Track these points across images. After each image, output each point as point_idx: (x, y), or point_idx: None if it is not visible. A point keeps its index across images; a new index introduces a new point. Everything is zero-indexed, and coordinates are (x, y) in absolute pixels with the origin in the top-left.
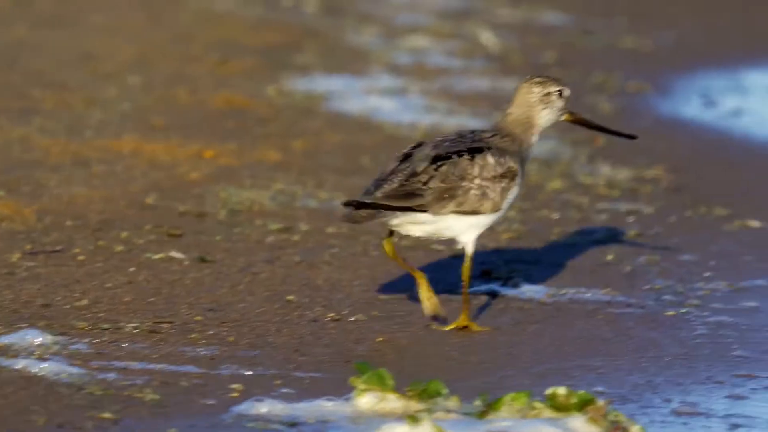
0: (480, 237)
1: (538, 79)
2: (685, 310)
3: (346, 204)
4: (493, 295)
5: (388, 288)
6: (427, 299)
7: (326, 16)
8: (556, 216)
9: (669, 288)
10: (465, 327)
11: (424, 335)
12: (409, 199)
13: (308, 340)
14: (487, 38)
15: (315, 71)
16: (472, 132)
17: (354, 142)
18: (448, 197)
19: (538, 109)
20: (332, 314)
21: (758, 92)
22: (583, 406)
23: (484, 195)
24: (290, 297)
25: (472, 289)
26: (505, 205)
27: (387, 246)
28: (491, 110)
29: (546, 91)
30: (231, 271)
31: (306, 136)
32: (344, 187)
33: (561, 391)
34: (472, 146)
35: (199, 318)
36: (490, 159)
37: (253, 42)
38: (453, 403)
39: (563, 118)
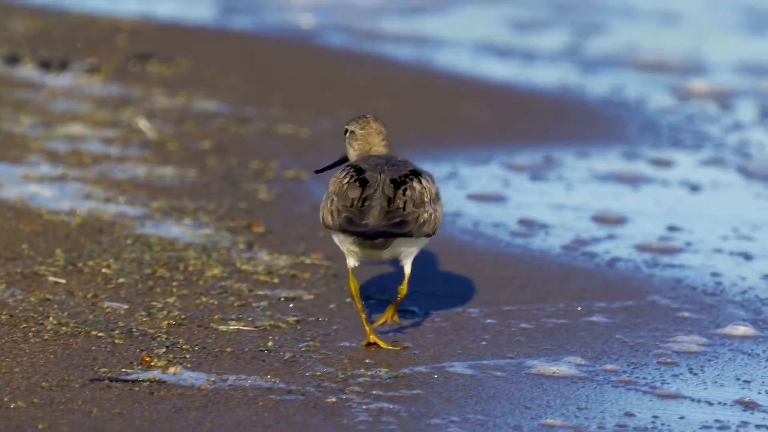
0: (140, 324)
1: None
2: (345, 396)
3: (362, 233)
4: (154, 382)
5: (49, 375)
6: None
7: None
8: (215, 302)
9: (330, 375)
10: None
11: (85, 422)
12: (403, 227)
13: None
14: (144, 125)
15: None
16: (390, 157)
17: (12, 229)
18: (422, 222)
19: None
20: None
21: None
22: None
23: (436, 217)
24: None
25: (130, 377)
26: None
27: (353, 285)
28: (149, 199)
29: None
30: None
31: None
32: (2, 274)
33: None
34: (412, 169)
35: None
36: (426, 183)
37: None
38: None
39: None
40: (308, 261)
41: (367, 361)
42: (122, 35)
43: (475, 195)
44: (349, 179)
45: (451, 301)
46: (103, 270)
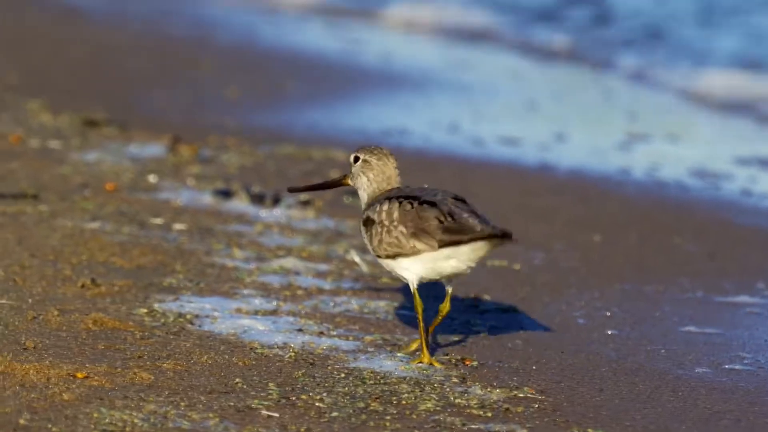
0: None
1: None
2: None
3: (493, 235)
4: None
5: None
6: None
7: (196, 237)
8: None
9: None
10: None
11: None
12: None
13: None
14: (357, 259)
15: (185, 292)
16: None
17: (225, 363)
18: None
19: None
20: None
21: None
22: None
23: None
24: None
25: None
26: None
27: (420, 305)
28: (362, 332)
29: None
30: None
31: (177, 357)
32: (216, 408)
33: None
34: (454, 194)
35: None
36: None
37: (122, 263)
38: None
39: None
40: (521, 395)
41: None
42: (336, 168)
43: (688, 331)
44: (411, 205)
45: None
46: (317, 404)
